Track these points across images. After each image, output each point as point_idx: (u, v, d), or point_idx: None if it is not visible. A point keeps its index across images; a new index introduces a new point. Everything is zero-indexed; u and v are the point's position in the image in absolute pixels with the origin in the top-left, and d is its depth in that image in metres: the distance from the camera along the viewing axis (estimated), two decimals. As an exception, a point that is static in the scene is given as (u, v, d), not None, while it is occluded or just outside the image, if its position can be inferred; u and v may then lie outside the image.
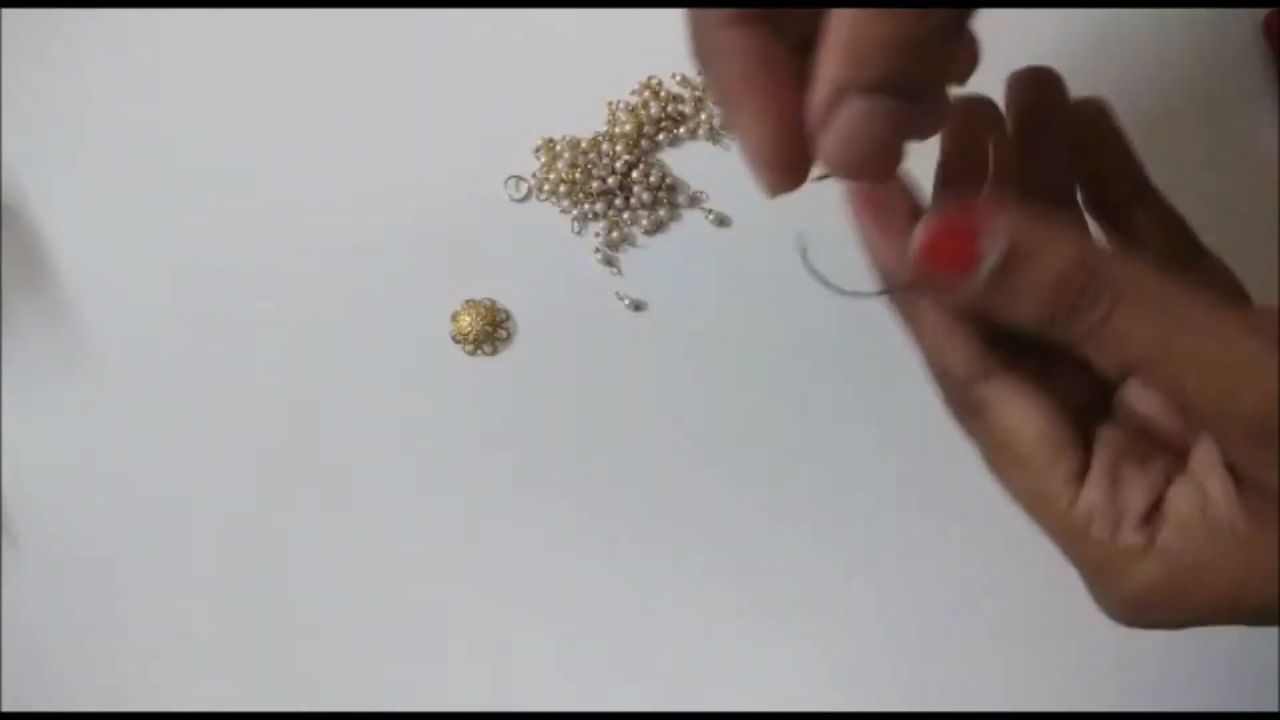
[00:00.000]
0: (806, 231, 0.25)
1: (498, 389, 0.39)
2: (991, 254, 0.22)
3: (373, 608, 0.38)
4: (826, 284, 0.24)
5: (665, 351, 0.39)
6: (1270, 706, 0.34)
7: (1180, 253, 0.26)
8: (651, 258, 0.40)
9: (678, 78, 0.41)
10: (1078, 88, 0.40)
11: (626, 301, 0.39)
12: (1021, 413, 0.24)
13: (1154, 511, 0.24)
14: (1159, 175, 0.39)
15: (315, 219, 0.41)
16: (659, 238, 0.40)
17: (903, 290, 0.24)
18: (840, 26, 0.21)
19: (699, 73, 0.29)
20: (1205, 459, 0.24)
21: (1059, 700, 0.35)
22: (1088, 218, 0.27)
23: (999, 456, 0.25)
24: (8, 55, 0.43)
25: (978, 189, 0.24)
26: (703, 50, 0.24)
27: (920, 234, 0.22)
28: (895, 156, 0.22)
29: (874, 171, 0.22)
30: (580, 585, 0.37)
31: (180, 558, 0.38)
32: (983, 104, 0.26)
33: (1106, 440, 0.25)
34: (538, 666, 0.37)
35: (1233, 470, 0.23)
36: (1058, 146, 0.25)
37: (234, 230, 0.41)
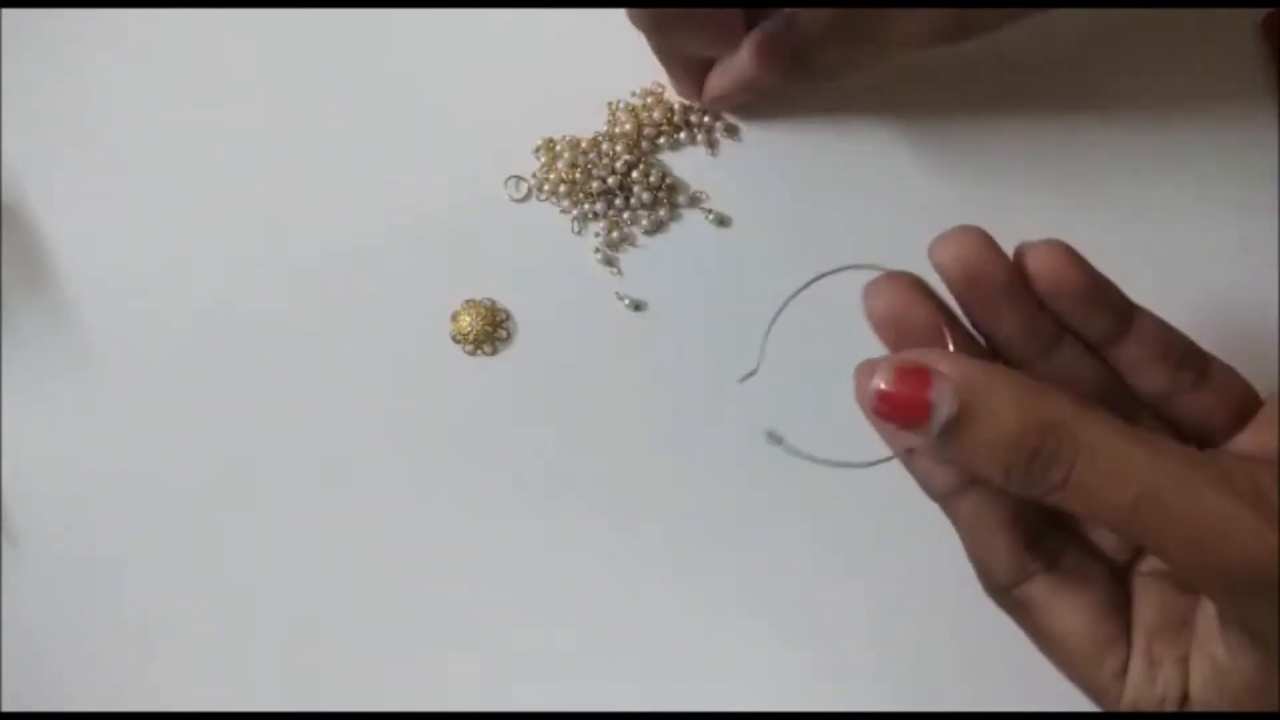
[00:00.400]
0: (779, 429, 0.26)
1: (498, 389, 0.39)
2: (941, 410, 0.22)
3: (373, 607, 0.38)
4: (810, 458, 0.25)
5: (665, 351, 0.39)
6: (1270, 706, 0.34)
7: (1186, 364, 0.26)
8: (651, 258, 0.40)
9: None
10: (1076, 88, 0.40)
11: (626, 301, 0.39)
12: (1067, 614, 0.25)
13: (1186, 695, 0.24)
14: (1158, 176, 0.39)
15: (315, 219, 0.41)
16: (659, 238, 0.40)
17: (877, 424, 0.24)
18: None
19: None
20: (1207, 616, 0.24)
21: (1059, 700, 0.35)
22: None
23: (1046, 647, 0.26)
24: (8, 55, 0.43)
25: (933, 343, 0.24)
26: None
27: (873, 381, 0.23)
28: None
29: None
30: (580, 584, 0.37)
31: (180, 558, 0.38)
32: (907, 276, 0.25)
33: (1141, 617, 0.25)
34: (538, 666, 0.37)
35: (1231, 620, 0.23)
36: (1012, 301, 0.25)
37: (234, 230, 0.41)
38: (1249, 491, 0.21)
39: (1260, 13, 0.40)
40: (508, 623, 0.37)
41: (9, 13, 0.43)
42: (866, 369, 0.24)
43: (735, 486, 0.38)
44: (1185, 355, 0.26)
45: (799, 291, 0.25)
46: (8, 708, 0.37)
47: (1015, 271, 0.25)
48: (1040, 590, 0.25)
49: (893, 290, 0.25)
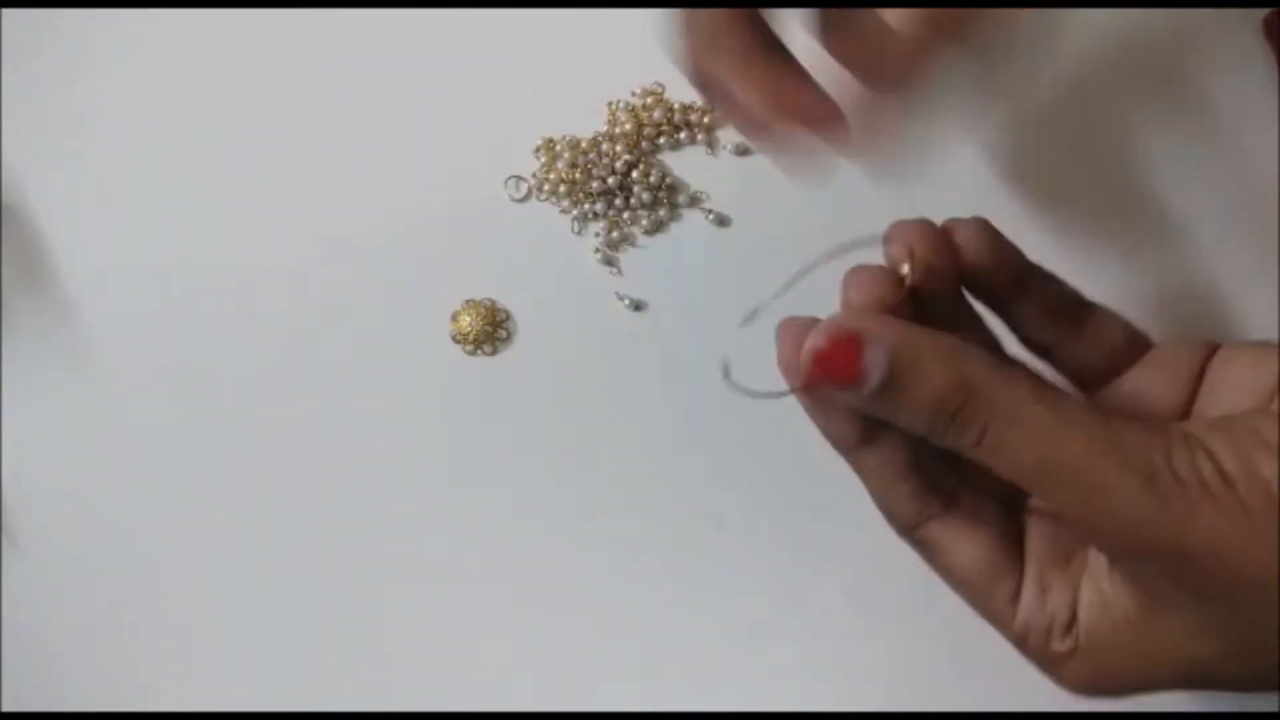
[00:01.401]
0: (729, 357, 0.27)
1: (498, 389, 0.39)
2: (874, 372, 0.24)
3: (372, 607, 0.38)
4: (743, 390, 0.27)
5: (665, 351, 0.39)
6: (1270, 707, 0.34)
7: (1070, 312, 0.28)
8: (651, 258, 0.40)
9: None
10: (1078, 88, 0.40)
11: (626, 301, 0.39)
12: (962, 549, 0.27)
13: (1074, 617, 0.26)
14: (1158, 176, 0.39)
15: (315, 219, 0.41)
16: (659, 238, 0.40)
17: (805, 392, 0.26)
18: None
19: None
20: (1097, 554, 0.26)
21: (1058, 700, 0.35)
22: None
23: (949, 581, 0.28)
24: (8, 55, 0.43)
25: (873, 303, 0.26)
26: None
27: (809, 343, 0.24)
28: None
29: None
30: (579, 584, 0.37)
31: (180, 557, 0.38)
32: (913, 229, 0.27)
33: (1033, 548, 0.27)
34: (537, 666, 0.37)
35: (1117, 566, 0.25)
36: (945, 284, 0.27)
37: (234, 230, 0.41)
38: (1141, 463, 0.23)
39: (1260, 12, 0.40)
40: (507, 622, 0.37)
41: (9, 13, 0.43)
42: (791, 328, 0.26)
43: (735, 486, 0.38)
44: (1068, 310, 0.28)
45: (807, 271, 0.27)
46: (8, 708, 0.37)
47: (953, 259, 0.27)
48: (939, 530, 0.27)
49: (870, 286, 0.27)
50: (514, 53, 0.42)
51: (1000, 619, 0.27)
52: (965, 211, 0.28)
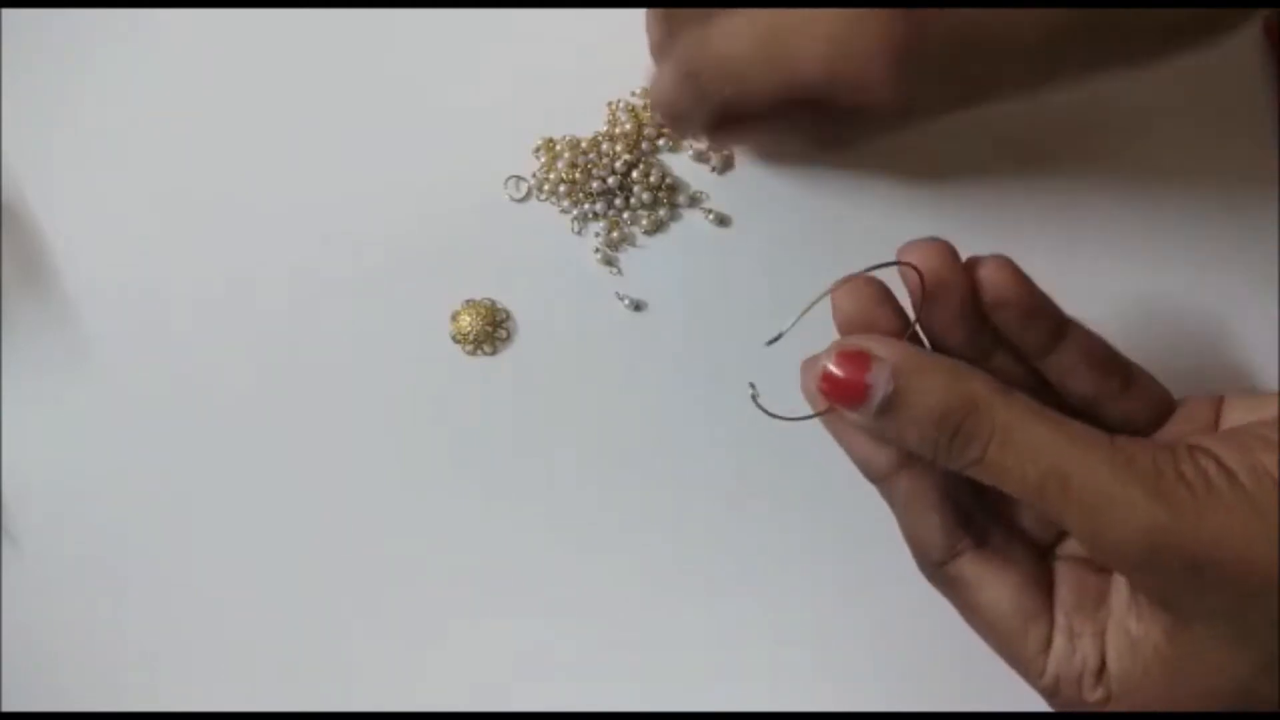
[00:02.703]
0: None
1: (498, 389, 0.39)
2: (879, 388, 0.25)
3: (372, 607, 0.38)
4: (769, 413, 0.27)
5: (665, 351, 0.39)
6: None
7: (1113, 372, 0.28)
8: (651, 258, 0.40)
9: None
10: (1077, 88, 0.40)
11: (626, 301, 0.39)
12: (994, 589, 0.27)
13: (1103, 665, 0.26)
14: (1158, 176, 0.39)
15: (315, 219, 0.41)
16: (659, 238, 0.40)
17: (824, 416, 0.27)
18: None
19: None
20: (1120, 592, 0.26)
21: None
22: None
23: (976, 622, 0.27)
24: (8, 55, 0.43)
25: (883, 328, 0.27)
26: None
27: (819, 363, 0.26)
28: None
29: None
30: (579, 584, 0.37)
31: (180, 558, 0.38)
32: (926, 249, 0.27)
33: (1061, 596, 0.27)
34: (537, 666, 0.37)
35: (1137, 587, 0.25)
36: (959, 307, 0.27)
37: (234, 230, 0.41)
38: (1147, 471, 0.23)
39: (1261, 13, 0.40)
40: (506, 622, 0.37)
41: (9, 13, 0.43)
42: (810, 360, 0.27)
43: (735, 486, 0.38)
44: (1112, 364, 0.28)
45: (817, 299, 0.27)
46: (8, 708, 0.37)
47: (969, 284, 0.27)
48: (969, 566, 0.27)
49: (860, 296, 0.27)
50: (514, 53, 0.42)
51: (1030, 667, 0.26)
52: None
